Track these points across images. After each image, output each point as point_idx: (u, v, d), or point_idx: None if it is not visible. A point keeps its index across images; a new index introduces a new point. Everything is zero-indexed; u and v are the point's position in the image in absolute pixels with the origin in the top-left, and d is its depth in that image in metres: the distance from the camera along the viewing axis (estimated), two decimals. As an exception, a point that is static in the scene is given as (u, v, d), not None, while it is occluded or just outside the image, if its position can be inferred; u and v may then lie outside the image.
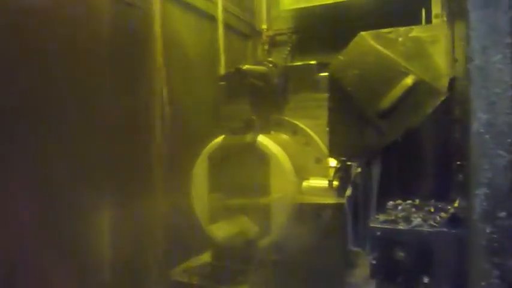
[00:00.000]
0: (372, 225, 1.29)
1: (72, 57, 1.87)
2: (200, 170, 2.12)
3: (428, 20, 2.48)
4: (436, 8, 2.50)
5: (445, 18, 1.91)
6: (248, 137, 2.16)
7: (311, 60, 2.25)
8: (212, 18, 2.85)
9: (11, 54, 1.59)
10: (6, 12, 1.55)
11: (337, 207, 1.90)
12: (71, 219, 1.79)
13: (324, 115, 2.12)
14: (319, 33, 3.21)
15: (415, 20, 2.41)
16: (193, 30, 2.71)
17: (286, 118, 2.21)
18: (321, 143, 2.13)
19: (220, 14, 2.83)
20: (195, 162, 2.15)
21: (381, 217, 1.33)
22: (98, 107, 1.92)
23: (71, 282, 1.79)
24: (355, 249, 1.71)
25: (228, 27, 2.98)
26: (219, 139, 2.13)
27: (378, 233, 1.27)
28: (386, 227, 1.27)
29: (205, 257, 2.42)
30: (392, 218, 1.31)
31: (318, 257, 2.04)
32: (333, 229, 2.00)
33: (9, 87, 1.57)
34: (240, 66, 2.03)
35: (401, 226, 1.26)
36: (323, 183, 1.97)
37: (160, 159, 2.13)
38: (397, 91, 1.47)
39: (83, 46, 1.91)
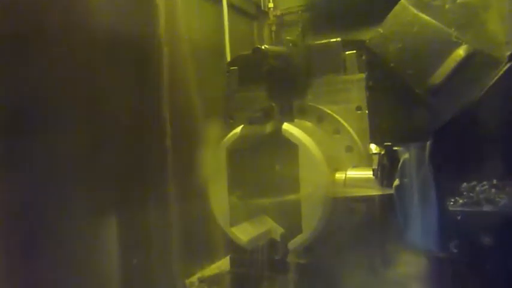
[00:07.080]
0: (451, 208, 1.14)
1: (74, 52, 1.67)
2: (218, 165, 1.88)
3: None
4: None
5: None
6: (269, 127, 1.93)
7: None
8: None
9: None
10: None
11: (378, 199, 1.69)
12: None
13: (353, 99, 1.92)
14: (334, 11, 2.99)
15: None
16: (194, 11, 2.48)
17: (310, 104, 1.98)
18: (351, 130, 1.91)
19: (225, -7, 2.59)
20: (212, 156, 1.91)
21: (460, 200, 1.16)
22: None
23: None
24: (407, 246, 1.53)
25: (231, 7, 2.75)
26: (237, 130, 1.89)
27: (459, 217, 1.12)
28: (469, 209, 1.12)
29: (221, 265, 2.21)
30: (474, 200, 1.15)
31: (354, 259, 1.84)
32: (371, 225, 1.80)
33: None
34: (259, 46, 1.78)
35: (487, 208, 1.11)
36: (360, 173, 1.75)
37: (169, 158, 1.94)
38: (449, 64, 1.27)
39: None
